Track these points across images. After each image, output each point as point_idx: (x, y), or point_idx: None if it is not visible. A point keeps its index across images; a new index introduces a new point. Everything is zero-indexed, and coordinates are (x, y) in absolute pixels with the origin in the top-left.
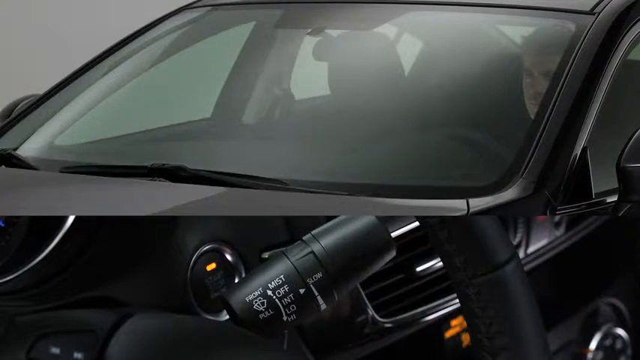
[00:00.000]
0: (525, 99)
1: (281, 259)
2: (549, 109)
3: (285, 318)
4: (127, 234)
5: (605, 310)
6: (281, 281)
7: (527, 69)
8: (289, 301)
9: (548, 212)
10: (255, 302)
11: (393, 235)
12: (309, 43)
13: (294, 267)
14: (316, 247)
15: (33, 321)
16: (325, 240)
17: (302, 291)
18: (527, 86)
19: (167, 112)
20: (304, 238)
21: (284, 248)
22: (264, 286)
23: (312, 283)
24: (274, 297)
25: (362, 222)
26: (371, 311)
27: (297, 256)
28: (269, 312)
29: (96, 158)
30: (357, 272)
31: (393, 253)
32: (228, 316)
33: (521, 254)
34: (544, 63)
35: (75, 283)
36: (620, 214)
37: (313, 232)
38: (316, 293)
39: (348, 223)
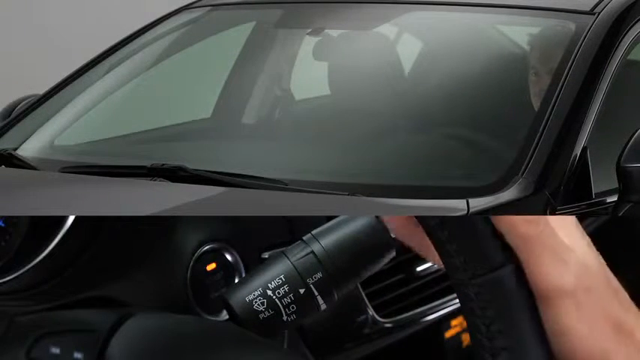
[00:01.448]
0: (531, 97)
1: (281, 259)
2: (549, 109)
3: (285, 318)
4: (126, 234)
5: None
6: (281, 281)
7: (533, 66)
8: (289, 301)
9: (548, 212)
10: (255, 302)
11: (393, 235)
12: (309, 43)
13: (294, 267)
14: (316, 247)
15: (33, 321)
16: (325, 240)
17: (302, 291)
18: (532, 83)
19: (167, 112)
20: (304, 238)
21: (284, 248)
22: (264, 286)
23: (312, 283)
24: (274, 297)
25: (362, 222)
26: (371, 311)
27: (297, 256)
28: (269, 312)
29: (96, 158)
30: (357, 272)
31: (393, 254)
32: (228, 316)
33: None
34: (548, 60)
35: (75, 283)
36: (620, 214)
37: (313, 232)
38: (316, 293)
39: (348, 223)
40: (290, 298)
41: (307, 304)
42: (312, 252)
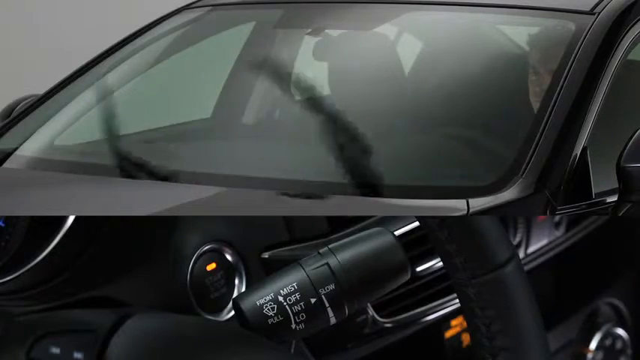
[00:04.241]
0: (530, 97)
1: (295, 268)
2: (549, 109)
3: (293, 326)
4: (126, 234)
5: (605, 310)
6: (293, 289)
7: (532, 66)
8: (299, 309)
9: (548, 212)
10: (266, 307)
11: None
12: (309, 43)
13: (308, 276)
14: (332, 260)
15: (33, 321)
16: (341, 254)
17: (313, 300)
18: (532, 84)
19: (167, 112)
20: (321, 251)
21: (301, 259)
22: (276, 291)
23: (323, 294)
24: (285, 303)
25: (379, 241)
26: (371, 311)
27: (311, 266)
28: (278, 318)
29: (96, 158)
30: (369, 290)
31: (408, 276)
32: (237, 319)
33: (521, 254)
34: (548, 61)
35: (75, 283)
36: (620, 214)
37: (330, 245)
38: (327, 304)
39: (365, 241)
40: (300, 306)
41: (317, 315)
42: (327, 264)
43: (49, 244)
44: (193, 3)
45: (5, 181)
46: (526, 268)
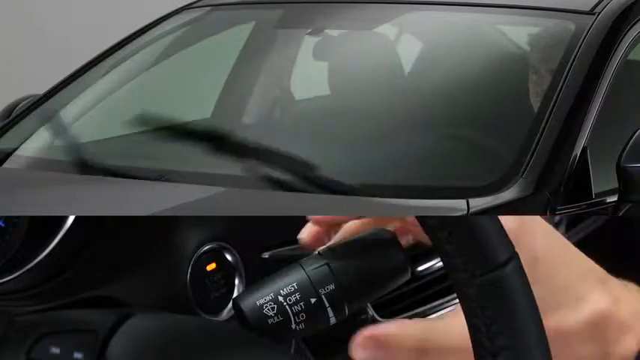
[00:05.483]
0: (530, 97)
1: (296, 268)
2: (549, 110)
3: (293, 326)
4: (127, 234)
5: None
6: (293, 289)
7: (532, 66)
8: (299, 309)
9: (548, 212)
10: (266, 307)
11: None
12: (309, 43)
13: (308, 276)
14: (332, 260)
15: (33, 321)
16: (342, 255)
17: (313, 300)
18: (532, 84)
19: (167, 112)
20: (321, 251)
21: (301, 259)
22: (276, 291)
23: (323, 294)
24: (285, 303)
25: (380, 241)
26: (371, 311)
27: (312, 266)
28: (278, 318)
29: (96, 158)
30: (369, 290)
31: (408, 276)
32: (237, 319)
33: None
34: (548, 61)
35: (75, 283)
36: (620, 214)
37: (330, 245)
38: (327, 304)
39: (365, 241)
40: (300, 306)
41: (317, 315)
42: (327, 264)
43: (49, 244)
44: (193, 3)
45: (5, 181)
46: None
